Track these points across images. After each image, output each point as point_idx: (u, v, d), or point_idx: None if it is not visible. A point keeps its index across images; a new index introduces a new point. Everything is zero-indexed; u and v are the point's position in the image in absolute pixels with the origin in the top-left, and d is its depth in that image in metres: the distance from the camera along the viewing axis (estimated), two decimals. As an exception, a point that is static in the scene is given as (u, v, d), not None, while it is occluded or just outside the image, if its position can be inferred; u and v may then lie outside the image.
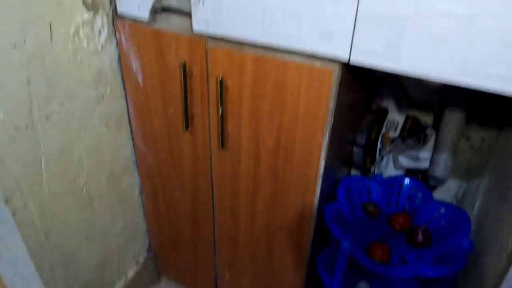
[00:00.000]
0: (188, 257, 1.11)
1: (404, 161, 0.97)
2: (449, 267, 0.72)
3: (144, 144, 0.94)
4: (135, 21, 0.78)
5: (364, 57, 0.57)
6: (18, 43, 0.65)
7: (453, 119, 0.85)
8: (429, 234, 0.87)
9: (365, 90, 0.94)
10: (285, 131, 0.73)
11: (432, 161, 0.93)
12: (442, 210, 0.89)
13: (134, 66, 0.84)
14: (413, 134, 0.96)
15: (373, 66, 0.57)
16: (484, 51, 0.48)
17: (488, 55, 0.48)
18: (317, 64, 0.63)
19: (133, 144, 0.97)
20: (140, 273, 1.14)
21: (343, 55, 0.59)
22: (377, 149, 0.98)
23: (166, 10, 0.75)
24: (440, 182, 0.95)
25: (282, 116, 0.71)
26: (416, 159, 0.96)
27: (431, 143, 0.94)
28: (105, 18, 0.80)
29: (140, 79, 0.85)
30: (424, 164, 0.95)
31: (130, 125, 0.94)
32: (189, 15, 0.71)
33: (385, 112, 1.00)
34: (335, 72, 0.62)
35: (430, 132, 0.95)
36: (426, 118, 0.98)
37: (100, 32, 0.80)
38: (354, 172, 1.08)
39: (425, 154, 0.94)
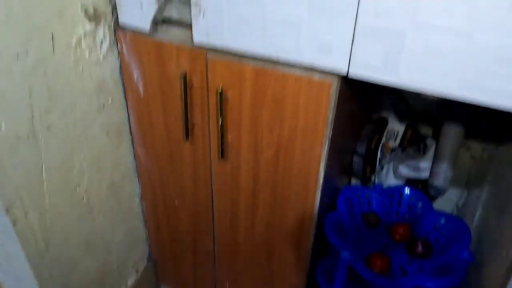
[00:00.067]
0: (188, 265, 1.11)
1: (404, 170, 0.97)
2: (449, 279, 0.72)
3: (144, 153, 0.95)
4: (137, 32, 0.79)
5: (363, 71, 0.58)
6: (20, 55, 0.66)
7: (452, 130, 0.85)
8: (430, 244, 0.87)
9: (365, 101, 0.94)
10: (285, 142, 0.73)
11: (432, 171, 0.93)
12: (443, 221, 0.89)
13: (135, 76, 0.84)
14: (413, 144, 0.96)
15: (372, 79, 0.58)
16: (480, 66, 0.49)
17: (484, 70, 0.49)
18: (316, 76, 0.63)
19: (134, 153, 0.97)
20: (140, 282, 1.13)
21: (342, 68, 0.60)
22: (377, 159, 0.98)
23: (167, 21, 0.76)
24: (440, 192, 0.95)
25: (282, 127, 0.71)
26: (416, 169, 0.96)
27: (431, 153, 0.94)
28: (106, 29, 0.81)
29: (141, 89, 0.85)
30: (424, 174, 0.95)
31: (131, 134, 0.95)
32: (189, 26, 0.72)
33: (385, 122, 1.00)
34: (334, 85, 0.62)
35: (430, 142, 0.95)
36: (426, 128, 0.98)
37: (101, 43, 0.81)
38: (354, 181, 1.09)
39: (425, 164, 0.94)
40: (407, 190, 0.97)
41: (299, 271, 0.91)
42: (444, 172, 0.90)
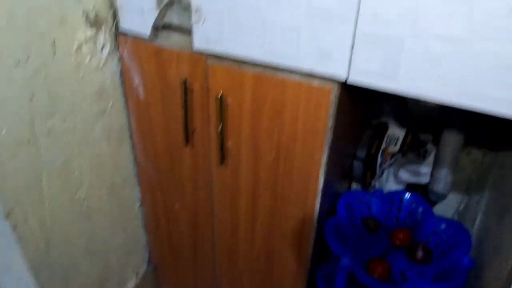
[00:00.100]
0: (188, 270, 1.11)
1: (405, 175, 0.97)
2: (449, 284, 0.72)
3: (145, 158, 0.95)
4: (137, 38, 0.79)
5: (362, 77, 0.58)
6: (21, 61, 0.66)
7: (452, 136, 0.85)
8: (430, 250, 0.86)
9: (365, 107, 0.95)
10: (284, 148, 0.73)
11: (432, 176, 0.93)
12: (443, 226, 0.89)
13: (135, 81, 0.85)
14: (414, 149, 0.96)
15: (371, 85, 0.58)
16: (479, 73, 0.49)
17: (483, 77, 0.49)
18: (316, 83, 0.63)
19: (134, 158, 0.98)
20: (140, 286, 1.13)
21: (342, 75, 0.60)
22: (377, 164, 0.98)
23: (168, 27, 0.77)
24: (440, 197, 0.95)
25: (281, 133, 0.72)
26: (417, 174, 0.96)
27: (431, 158, 0.94)
28: (107, 34, 0.81)
29: (141, 94, 0.85)
30: (425, 179, 0.95)
31: (131, 139, 0.95)
32: (190, 32, 0.72)
33: (385, 127, 1.00)
34: (334, 91, 0.62)
35: (430, 147, 0.95)
36: (426, 133, 0.98)
37: (102, 48, 0.81)
38: (354, 185, 1.08)
39: (425, 169, 0.94)
40: (407, 195, 0.97)
41: (299, 276, 0.91)
42: (444, 177, 0.90)
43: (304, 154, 0.72)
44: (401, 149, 0.97)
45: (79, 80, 0.78)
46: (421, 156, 0.96)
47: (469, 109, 0.52)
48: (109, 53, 0.83)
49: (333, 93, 0.62)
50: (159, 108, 0.84)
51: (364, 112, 0.97)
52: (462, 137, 0.85)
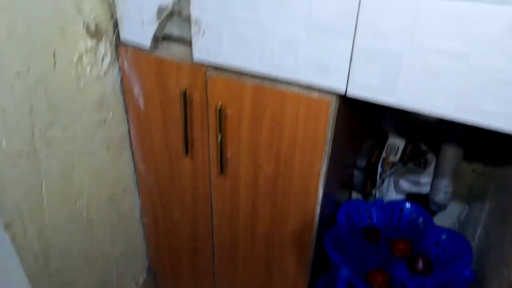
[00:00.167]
0: (187, 278, 1.10)
1: (405, 185, 0.97)
2: (449, 298, 0.71)
3: (145, 167, 0.95)
4: (138, 48, 0.80)
5: (361, 90, 0.58)
6: (22, 72, 0.67)
7: (453, 146, 0.85)
8: (430, 261, 0.86)
9: (364, 117, 0.94)
10: (284, 159, 0.73)
11: (432, 186, 0.93)
12: (444, 237, 0.88)
13: (135, 91, 0.85)
14: (414, 158, 0.96)
15: (369, 99, 0.58)
16: (477, 88, 0.49)
17: (482, 92, 0.49)
18: (315, 95, 0.63)
19: (134, 167, 0.98)
20: (140, 295, 1.13)
21: (340, 88, 0.60)
22: (378, 173, 0.98)
23: (168, 38, 0.77)
24: (441, 207, 0.94)
25: (281, 144, 0.72)
26: (417, 183, 0.96)
27: (431, 168, 0.93)
28: (108, 45, 0.81)
29: (141, 104, 0.86)
30: (425, 189, 0.95)
31: (131, 148, 0.95)
32: (189, 43, 0.72)
33: (385, 136, 1.00)
34: (332, 104, 0.62)
35: (431, 157, 0.94)
36: (427, 143, 0.98)
37: (103, 59, 0.82)
38: (355, 194, 1.08)
39: (426, 179, 0.94)
40: (407, 205, 0.96)
41: (299, 286, 0.90)
42: (444, 187, 0.90)
43: (303, 165, 0.72)
44: (401, 159, 0.96)
45: (80, 90, 0.79)
46: (422, 166, 0.95)
47: (467, 123, 0.52)
48: (109, 64, 0.83)
49: (332, 106, 0.62)
50: (159, 118, 0.85)
51: (364, 123, 0.97)
52: (462, 149, 0.85)
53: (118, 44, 0.82)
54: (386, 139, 0.99)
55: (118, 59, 0.84)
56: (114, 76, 0.85)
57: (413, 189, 0.97)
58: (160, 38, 0.77)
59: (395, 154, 0.97)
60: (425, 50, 0.51)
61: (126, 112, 0.90)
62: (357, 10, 0.53)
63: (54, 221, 0.80)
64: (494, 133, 0.54)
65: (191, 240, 1.01)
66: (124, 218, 1.00)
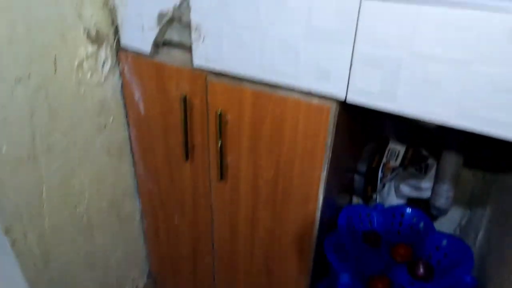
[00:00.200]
0: (187, 283, 1.10)
1: (406, 190, 0.97)
2: (451, 304, 0.71)
3: (145, 172, 0.95)
4: (138, 54, 0.80)
5: (361, 97, 0.58)
6: (23, 78, 0.67)
7: (453, 151, 0.85)
8: (431, 267, 0.85)
9: (365, 123, 0.94)
10: (284, 165, 0.73)
11: (433, 191, 0.92)
12: (444, 242, 0.88)
13: (136, 96, 0.85)
14: (415, 163, 0.96)
15: (369, 105, 0.58)
16: (478, 95, 0.49)
17: (482, 99, 0.49)
18: (315, 101, 0.63)
19: (135, 172, 0.98)
20: (140, 299, 1.13)
21: (340, 94, 0.60)
22: (378, 178, 0.98)
23: (168, 44, 0.77)
24: (442, 212, 0.94)
25: (281, 150, 0.71)
26: (418, 188, 0.95)
27: (432, 173, 0.93)
28: (108, 50, 0.82)
29: (142, 109, 0.86)
30: (426, 194, 0.94)
31: (131, 153, 0.95)
32: (190, 49, 0.72)
33: (386, 141, 1.00)
34: (332, 110, 0.62)
35: (431, 162, 0.94)
36: (428, 148, 0.98)
37: (103, 64, 0.82)
38: (355, 199, 1.08)
39: (426, 184, 0.93)
40: (408, 210, 0.96)
41: (299, 291, 0.90)
42: (445, 192, 0.89)
43: (303, 171, 0.72)
44: (402, 164, 0.96)
45: (80, 96, 0.79)
46: (422, 171, 0.95)
47: (468, 130, 0.52)
48: (110, 69, 0.83)
49: (332, 112, 0.62)
50: (160, 123, 0.85)
51: (364, 128, 0.97)
52: (463, 154, 0.85)
53: (119, 50, 0.83)
54: (386, 144, 0.99)
55: (118, 65, 0.84)
56: (114, 82, 0.85)
57: (414, 194, 0.96)
58: (160, 43, 0.78)
59: (396, 159, 0.97)
60: (425, 57, 0.51)
61: (127, 117, 0.90)
62: (356, 16, 0.53)
63: (55, 226, 0.80)
64: (494, 139, 0.54)
65: (192, 244, 1.00)
66: (124, 222, 1.00)
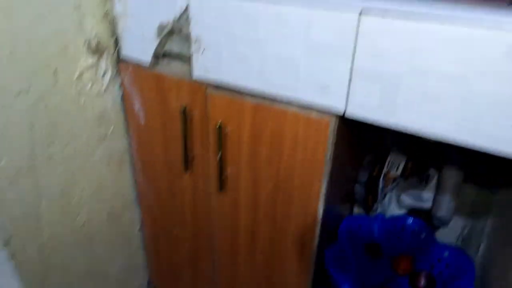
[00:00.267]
0: (188, 293, 1.10)
1: (407, 200, 0.96)
2: (452, 318, 0.70)
3: (145, 182, 0.95)
4: (138, 65, 0.80)
5: (360, 111, 0.58)
6: (23, 90, 0.67)
7: (454, 164, 0.85)
8: (433, 278, 0.85)
9: (365, 135, 0.94)
10: (283, 177, 0.73)
11: (435, 201, 0.92)
12: (446, 254, 0.87)
13: (136, 107, 0.85)
14: (416, 174, 0.95)
15: (369, 120, 0.58)
16: (477, 111, 0.48)
17: (481, 115, 0.48)
18: (314, 114, 0.63)
19: (134, 182, 0.98)
20: (140, 308, 1.13)
21: (339, 108, 0.59)
22: (379, 188, 0.97)
23: (168, 55, 0.77)
24: (443, 222, 0.93)
25: (280, 162, 0.71)
26: (419, 198, 0.95)
27: (433, 183, 0.93)
28: (109, 61, 0.82)
29: (142, 120, 0.86)
30: (427, 204, 0.94)
31: (131, 163, 0.95)
32: (189, 61, 0.72)
33: (386, 151, 0.99)
34: (332, 123, 0.62)
35: (433, 172, 0.94)
36: (428, 159, 0.97)
37: (104, 75, 0.82)
38: (356, 209, 1.07)
39: (427, 194, 0.93)
40: (410, 220, 0.95)
41: (299, 303, 0.89)
42: (447, 203, 0.89)
43: (303, 183, 0.71)
44: (403, 174, 0.96)
45: (80, 107, 0.79)
46: (424, 181, 0.95)
47: (467, 146, 0.51)
48: (110, 80, 0.84)
49: (331, 126, 0.62)
50: (159, 134, 0.85)
51: (365, 140, 0.97)
52: (463, 166, 0.84)
53: (119, 61, 0.83)
54: (387, 154, 0.99)
55: (119, 75, 0.84)
56: (114, 92, 0.85)
57: (415, 204, 0.96)
58: (160, 55, 0.78)
59: (397, 169, 0.96)
60: (424, 73, 0.50)
61: (127, 127, 0.90)
62: (355, 32, 0.53)
63: (54, 237, 0.80)
64: (492, 158, 0.54)
65: (191, 255, 1.00)
66: (124, 232, 1.00)
